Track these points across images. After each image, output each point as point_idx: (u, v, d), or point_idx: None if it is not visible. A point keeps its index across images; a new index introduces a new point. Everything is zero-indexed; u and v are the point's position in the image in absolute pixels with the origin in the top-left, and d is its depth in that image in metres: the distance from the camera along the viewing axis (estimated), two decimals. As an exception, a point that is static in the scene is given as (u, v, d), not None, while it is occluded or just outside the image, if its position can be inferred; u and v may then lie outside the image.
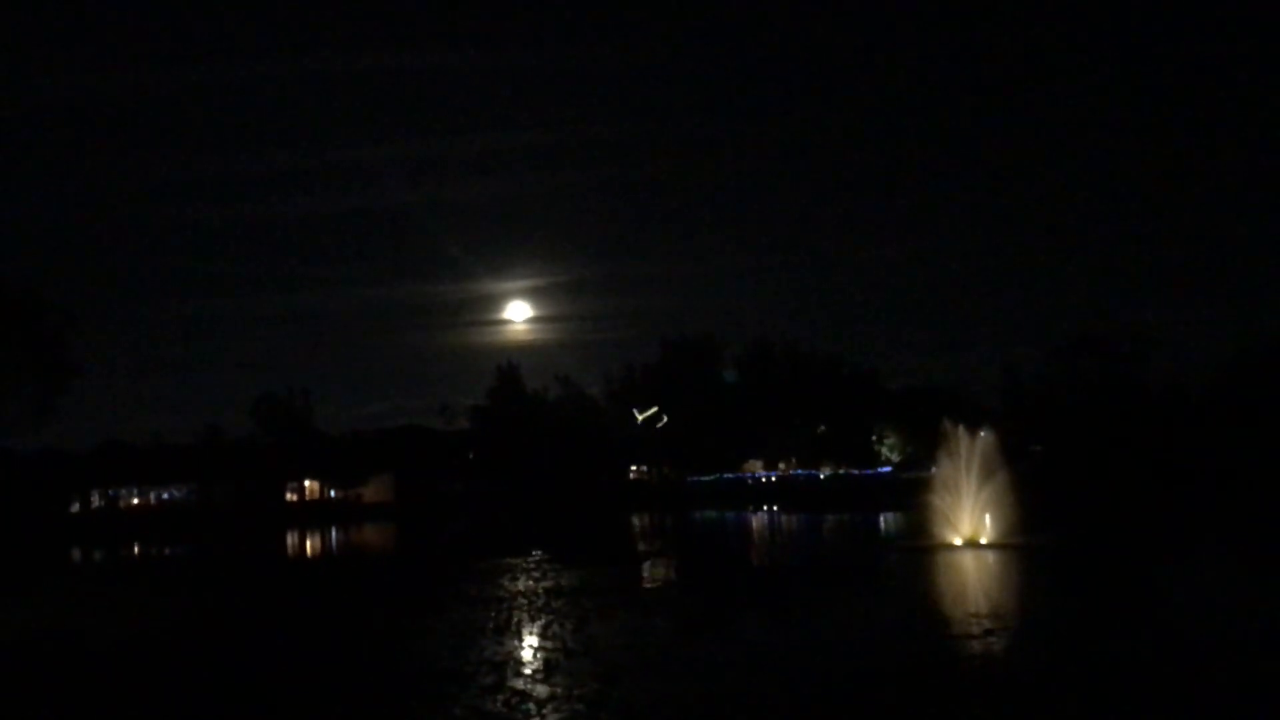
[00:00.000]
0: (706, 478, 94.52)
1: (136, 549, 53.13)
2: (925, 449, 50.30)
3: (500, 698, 11.60)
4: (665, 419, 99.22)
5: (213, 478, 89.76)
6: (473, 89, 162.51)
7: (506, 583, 24.36)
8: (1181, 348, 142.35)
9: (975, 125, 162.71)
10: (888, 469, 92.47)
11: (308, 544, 52.64)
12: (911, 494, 39.02)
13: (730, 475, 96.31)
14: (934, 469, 31.62)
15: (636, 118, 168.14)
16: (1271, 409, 74.92)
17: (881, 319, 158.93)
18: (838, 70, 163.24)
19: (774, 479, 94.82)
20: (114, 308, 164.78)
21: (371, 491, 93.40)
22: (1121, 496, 54.42)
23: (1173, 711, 10.55)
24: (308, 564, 41.01)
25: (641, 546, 38.59)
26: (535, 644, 15.29)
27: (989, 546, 28.12)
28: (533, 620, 17.82)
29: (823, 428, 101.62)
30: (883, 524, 45.52)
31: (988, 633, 14.69)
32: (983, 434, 30.30)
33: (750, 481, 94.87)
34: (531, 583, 24.05)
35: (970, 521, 29.16)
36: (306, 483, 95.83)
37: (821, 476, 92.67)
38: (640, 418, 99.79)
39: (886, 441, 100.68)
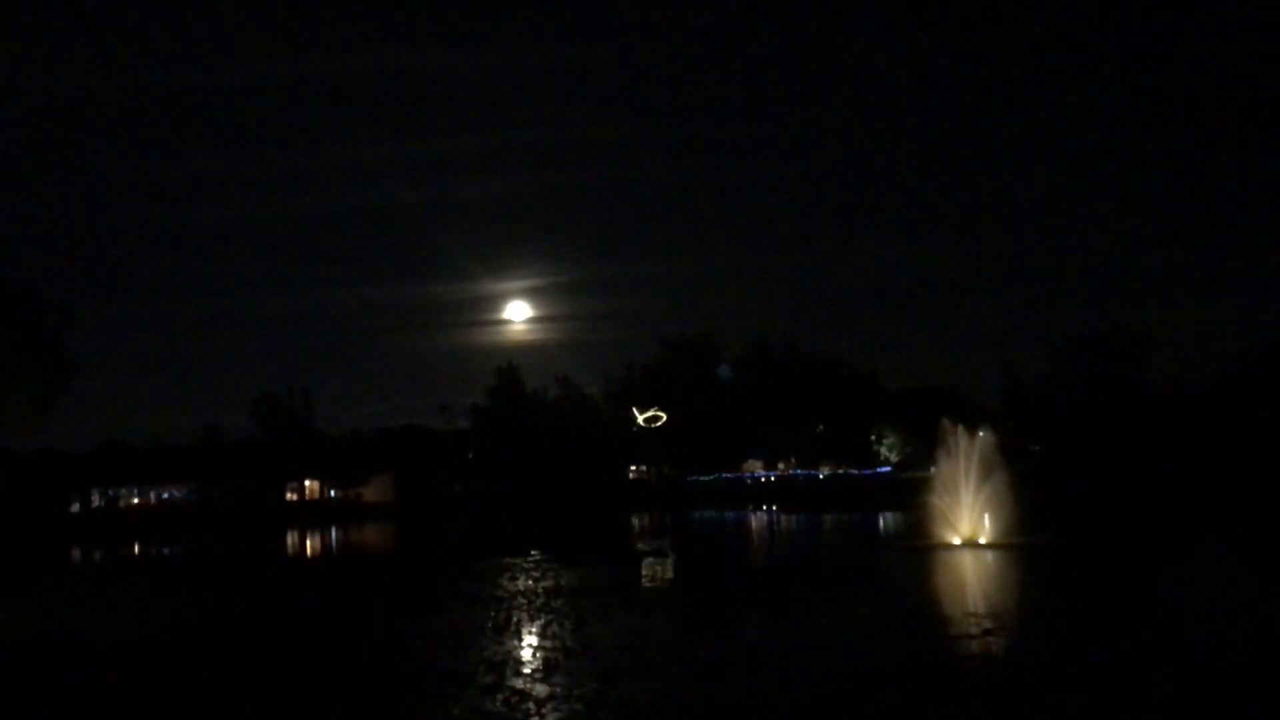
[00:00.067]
0: (706, 477, 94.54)
1: (136, 549, 53.13)
2: (924, 449, 50.30)
3: (499, 697, 11.61)
4: (664, 419, 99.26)
5: (212, 478, 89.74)
6: (473, 89, 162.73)
7: (506, 582, 24.37)
8: (1181, 348, 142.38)
9: (975, 125, 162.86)
10: (887, 469, 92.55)
11: (308, 544, 52.65)
12: (910, 494, 39.07)
13: (729, 475, 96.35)
14: (933, 469, 31.63)
15: (636, 118, 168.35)
16: (1271, 409, 74.96)
17: (881, 319, 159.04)
18: (838, 70, 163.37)
19: (773, 479, 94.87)
20: (114, 308, 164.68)
21: (371, 491, 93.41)
22: (1121, 496, 54.44)
23: (1172, 711, 10.57)
24: (307, 564, 41.02)
25: (641, 546, 38.60)
26: (534, 644, 15.31)
27: (988, 546, 28.14)
28: (532, 620, 17.83)
29: (822, 427, 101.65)
30: (882, 524, 45.54)
31: (986, 633, 14.71)
32: (982, 434, 30.33)
33: (749, 481, 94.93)
34: (531, 582, 24.06)
35: (969, 521, 29.18)
36: (306, 483, 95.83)
37: (821, 476, 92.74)
38: (640, 417, 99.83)
39: (886, 441, 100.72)
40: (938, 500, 30.06)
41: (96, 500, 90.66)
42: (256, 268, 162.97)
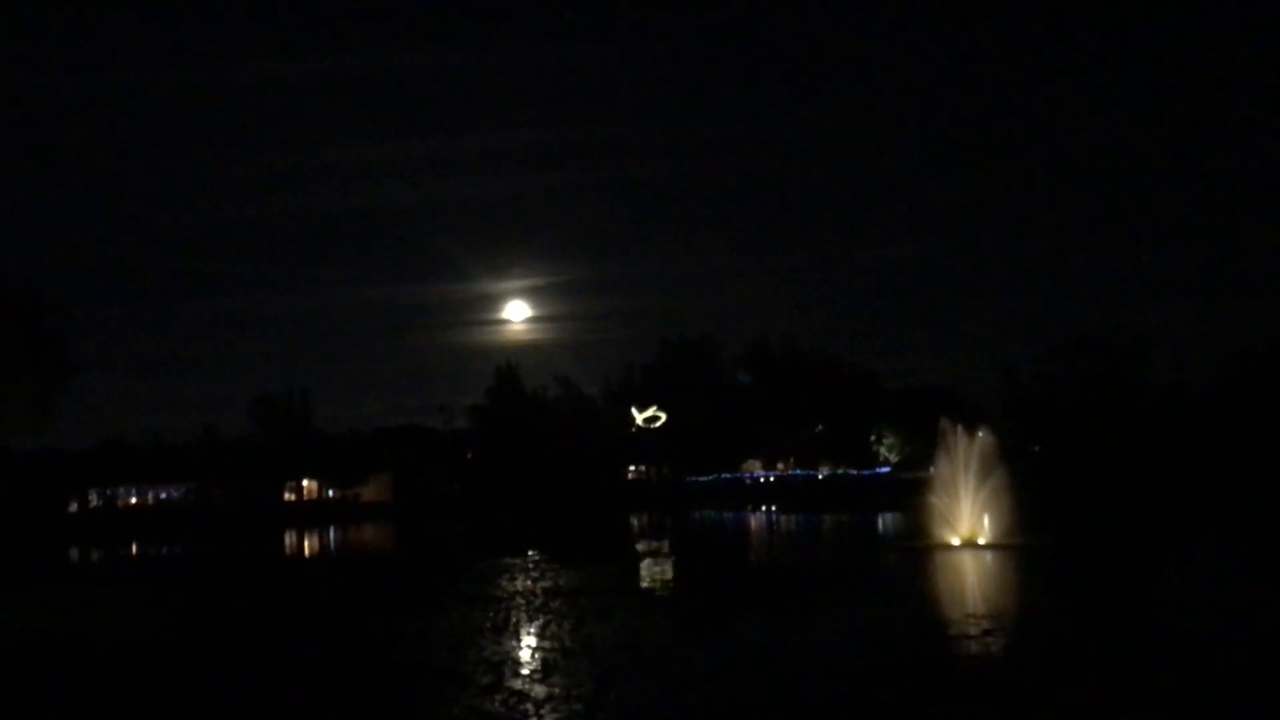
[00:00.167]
0: (705, 478, 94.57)
1: (135, 549, 53.10)
2: (924, 449, 50.29)
3: (498, 698, 11.59)
4: (663, 419, 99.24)
5: (211, 477, 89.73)
6: (473, 89, 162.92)
7: (504, 582, 24.35)
8: (1181, 348, 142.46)
9: (975, 126, 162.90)
10: (886, 469, 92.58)
11: (306, 544, 52.62)
12: (910, 494, 39.04)
13: (729, 475, 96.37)
14: (932, 469, 31.60)
15: (636, 118, 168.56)
16: (1271, 409, 74.98)
17: (881, 319, 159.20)
18: (838, 70, 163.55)
19: (772, 479, 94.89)
20: (114, 308, 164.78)
21: (370, 491, 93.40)
22: (1120, 497, 54.43)
23: (1172, 711, 10.55)
24: (306, 564, 40.99)
25: (640, 546, 38.58)
26: (533, 644, 15.28)
27: (987, 547, 28.11)
28: (531, 620, 17.81)
29: (821, 428, 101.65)
30: (881, 524, 45.53)
31: (986, 633, 14.69)
32: (981, 434, 30.28)
33: (749, 481, 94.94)
34: (529, 582, 24.04)
35: (968, 522, 29.15)
36: (305, 482, 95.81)
37: (820, 476, 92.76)
38: (639, 417, 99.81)
39: (885, 441, 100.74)
40: (937, 501, 30.03)
41: (95, 500, 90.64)
42: (256, 268, 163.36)
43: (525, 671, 13.10)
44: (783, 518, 56.87)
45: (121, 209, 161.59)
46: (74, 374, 63.06)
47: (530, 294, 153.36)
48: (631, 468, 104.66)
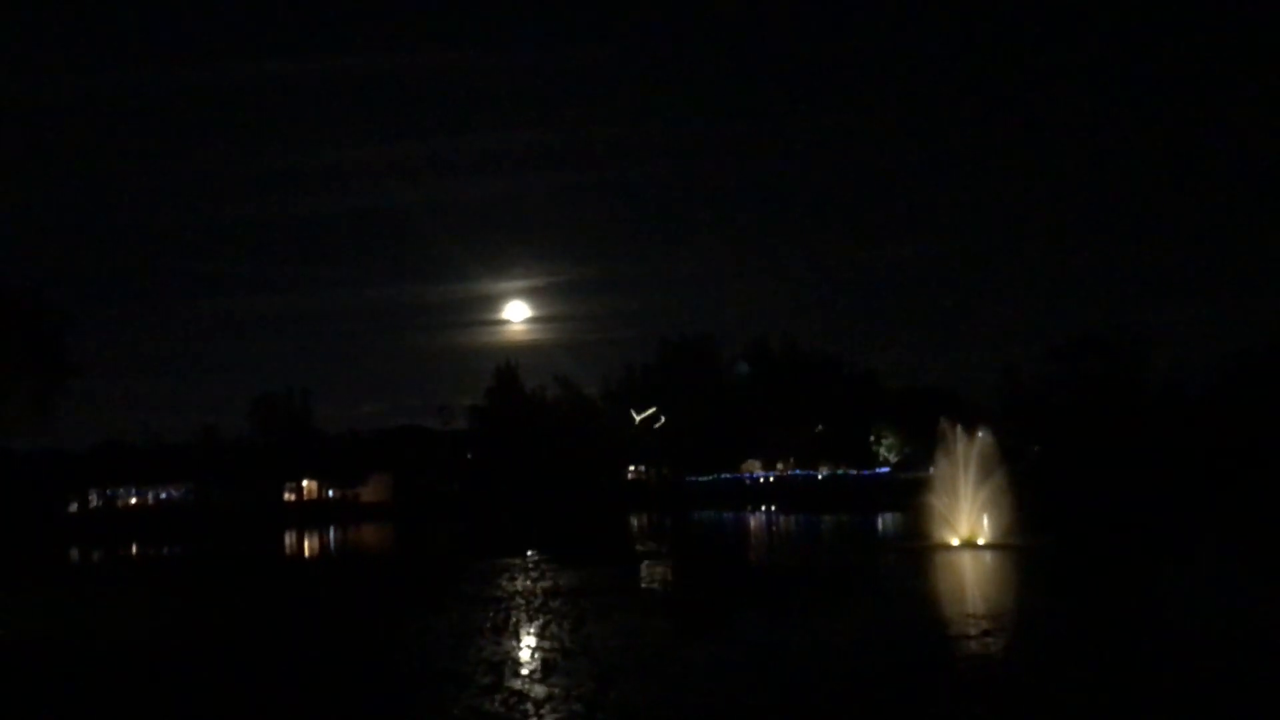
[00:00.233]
0: (704, 478, 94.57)
1: (135, 549, 53.10)
2: (923, 449, 50.33)
3: (498, 698, 11.60)
4: (663, 419, 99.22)
5: (211, 478, 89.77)
6: (473, 89, 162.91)
7: (504, 583, 24.36)
8: (1181, 348, 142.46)
9: (975, 126, 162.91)
10: (886, 469, 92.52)
11: (306, 544, 52.62)
12: (909, 494, 39.05)
13: (728, 475, 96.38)
14: (932, 469, 31.61)
15: (636, 118, 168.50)
16: (1271, 409, 74.98)
17: (881, 319, 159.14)
18: (838, 70, 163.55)
19: (772, 479, 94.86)
20: (114, 308, 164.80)
21: (370, 491, 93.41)
22: (1120, 497, 54.44)
23: (1172, 711, 10.56)
24: (306, 564, 40.99)
25: (639, 547, 38.59)
26: (533, 644, 15.30)
27: (987, 547, 28.13)
28: (530, 620, 17.82)
29: (821, 428, 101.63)
30: (880, 525, 45.54)
31: (985, 634, 14.70)
32: (981, 434, 30.29)
33: (748, 482, 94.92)
34: (529, 583, 24.05)
35: (968, 522, 29.17)
36: (305, 483, 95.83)
37: (819, 477, 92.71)
38: (638, 418, 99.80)
39: (885, 442, 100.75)
40: (936, 501, 30.04)
41: (95, 500, 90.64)
42: (256, 268, 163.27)
43: (525, 672, 13.11)
44: (782, 518, 56.88)
45: (122, 209, 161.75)
46: (74, 374, 63.20)
47: (530, 294, 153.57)
48: (631, 468, 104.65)
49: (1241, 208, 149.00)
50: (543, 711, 10.93)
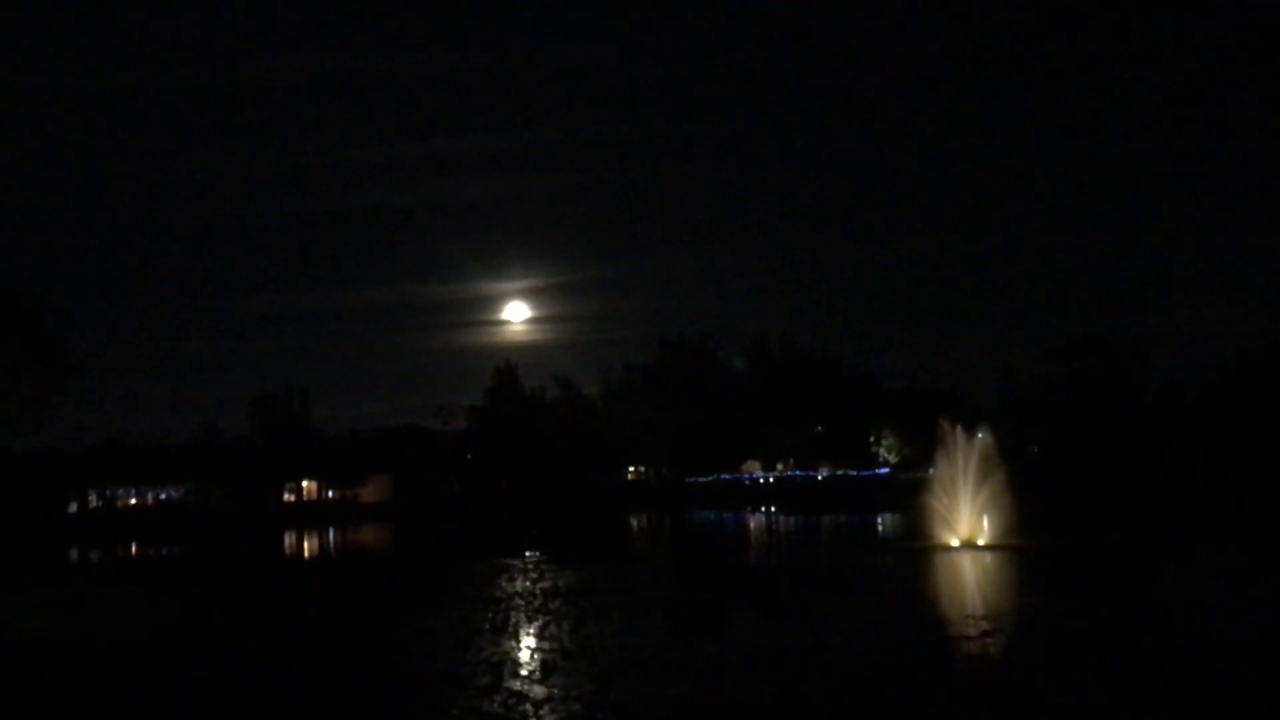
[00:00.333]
0: (704, 478, 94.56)
1: (134, 549, 53.07)
2: (923, 450, 50.30)
3: (497, 699, 11.60)
4: (662, 420, 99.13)
5: (210, 478, 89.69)
6: (473, 89, 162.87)
7: (503, 583, 24.35)
8: (1181, 348, 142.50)
9: (974, 126, 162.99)
10: (885, 470, 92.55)
11: (305, 544, 52.61)
12: (909, 495, 39.03)
13: (728, 476, 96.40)
14: (932, 470, 31.60)
15: (636, 118, 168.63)
16: (1271, 409, 75.01)
17: (881, 319, 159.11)
18: (838, 70, 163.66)
19: (772, 480, 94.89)
20: (113, 307, 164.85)
21: (369, 492, 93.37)
22: (1119, 497, 54.43)
23: (1171, 712, 10.55)
24: (305, 564, 40.97)
25: (638, 547, 38.57)
26: (532, 645, 15.29)
27: (986, 548, 28.12)
28: (530, 621, 17.82)
29: (820, 428, 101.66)
30: (880, 525, 45.53)
31: (985, 634, 14.69)
32: (980, 435, 30.29)
33: (748, 482, 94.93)
34: (528, 583, 24.04)
35: (968, 523, 29.16)
36: (304, 483, 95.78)
37: (819, 477, 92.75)
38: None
39: (884, 442, 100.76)
40: (936, 502, 30.02)
41: (94, 501, 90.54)
42: (256, 268, 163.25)
43: (524, 672, 13.10)
44: (782, 519, 56.86)
45: (121, 208, 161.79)
46: (73, 374, 63.19)
47: (530, 294, 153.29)
48: (631, 468, 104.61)
49: (1241, 208, 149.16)
50: (542, 712, 10.93)
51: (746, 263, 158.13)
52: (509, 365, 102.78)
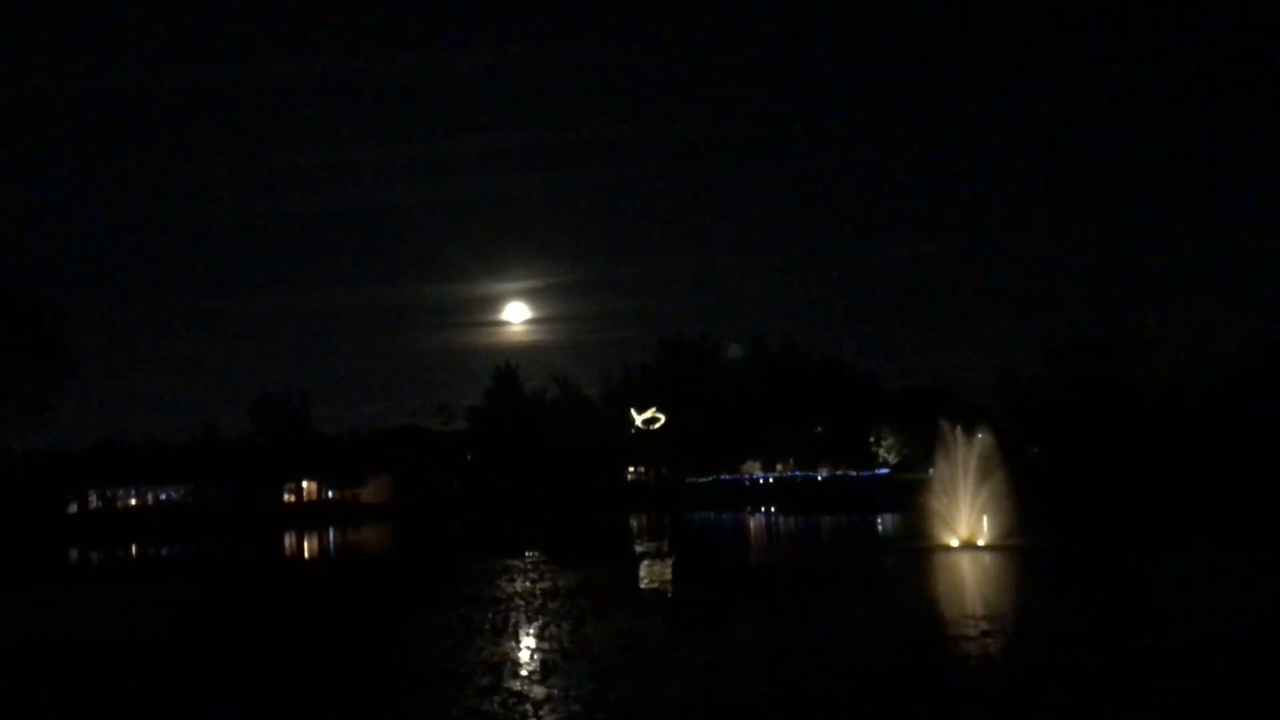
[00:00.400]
0: (704, 479, 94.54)
1: (134, 550, 53.07)
2: (923, 450, 50.29)
3: (497, 699, 11.60)
4: (662, 420, 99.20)
5: (210, 479, 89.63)
6: (473, 89, 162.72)
7: (503, 584, 24.35)
8: (1181, 348, 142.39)
9: (974, 126, 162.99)
10: (885, 470, 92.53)
11: (305, 545, 52.61)
12: (909, 495, 39.03)
13: (728, 476, 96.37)
14: (931, 471, 31.60)
15: (636, 118, 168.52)
16: (1270, 410, 74.99)
17: (881, 319, 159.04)
18: (837, 71, 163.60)
19: (771, 480, 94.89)
20: (112, 307, 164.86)
21: (369, 492, 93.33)
22: (1119, 498, 54.44)
23: (1170, 712, 10.55)
24: (305, 565, 40.97)
25: (638, 548, 38.58)
26: (532, 645, 15.29)
27: (986, 548, 28.11)
28: (529, 621, 17.82)
29: (820, 429, 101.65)
30: (880, 525, 45.53)
31: (984, 634, 14.69)
32: (980, 435, 30.28)
33: (748, 483, 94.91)
34: (528, 584, 24.04)
35: (967, 523, 29.15)
36: (304, 483, 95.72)
37: (819, 478, 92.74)
38: (638, 419, 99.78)
39: (884, 443, 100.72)
40: (936, 502, 30.02)
41: (94, 501, 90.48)
42: (256, 268, 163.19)
43: (524, 673, 13.10)
44: (782, 519, 56.87)
45: (121, 208, 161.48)
46: (73, 374, 63.12)
47: (530, 295, 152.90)
48: (630, 469, 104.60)
49: (1241, 208, 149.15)
50: (541, 712, 10.92)
51: (746, 263, 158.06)
52: (509, 366, 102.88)
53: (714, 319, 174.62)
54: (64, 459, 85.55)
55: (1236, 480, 60.78)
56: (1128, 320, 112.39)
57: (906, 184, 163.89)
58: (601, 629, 16.62)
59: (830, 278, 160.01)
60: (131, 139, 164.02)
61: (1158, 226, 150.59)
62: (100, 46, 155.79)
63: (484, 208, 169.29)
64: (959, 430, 30.17)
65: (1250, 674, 11.99)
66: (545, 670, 13.17)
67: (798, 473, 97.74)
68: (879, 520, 48.25)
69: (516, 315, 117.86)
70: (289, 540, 56.55)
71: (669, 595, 23.51)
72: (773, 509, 68.86)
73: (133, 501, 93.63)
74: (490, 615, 18.67)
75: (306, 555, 46.38)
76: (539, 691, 11.89)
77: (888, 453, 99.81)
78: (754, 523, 54.63)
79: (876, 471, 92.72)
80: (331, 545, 52.36)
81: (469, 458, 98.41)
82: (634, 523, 57.00)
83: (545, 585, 23.54)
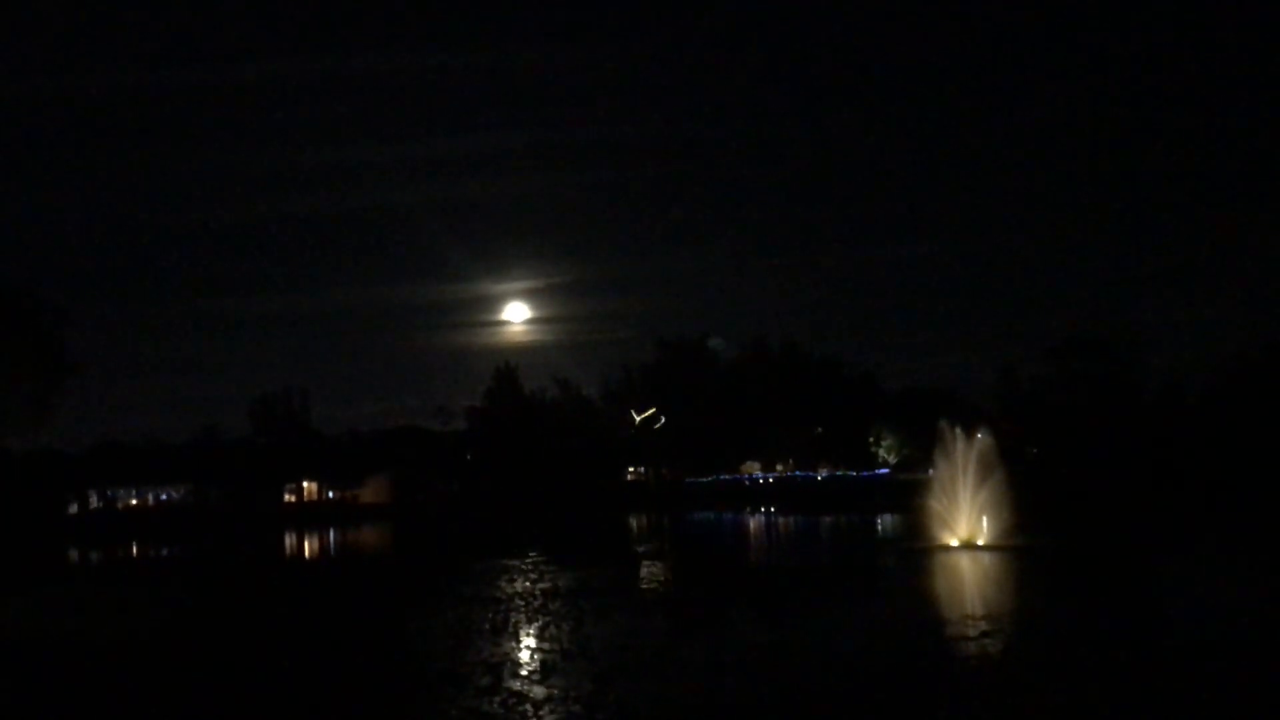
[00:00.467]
0: (704, 479, 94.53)
1: (134, 550, 53.08)
2: (922, 450, 50.32)
3: (497, 699, 11.61)
4: (663, 420, 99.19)
5: (210, 479, 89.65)
6: (473, 89, 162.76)
7: (503, 584, 24.36)
8: (1181, 348, 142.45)
9: (973, 126, 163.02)
10: (885, 470, 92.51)
11: (305, 545, 52.62)
12: (908, 496, 39.06)
13: (728, 476, 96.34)
14: (931, 470, 31.62)
15: (636, 118, 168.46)
16: (1269, 410, 75.00)
17: (881, 319, 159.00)
18: (837, 71, 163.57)
19: (771, 480, 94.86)
20: (112, 307, 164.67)
21: (369, 492, 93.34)
22: (1118, 498, 54.47)
23: (1169, 711, 10.57)
24: (305, 565, 40.98)
25: (638, 548, 38.60)
26: (532, 645, 15.31)
27: (985, 548, 28.14)
28: (529, 621, 17.83)
29: (820, 429, 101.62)
30: (880, 526, 45.55)
31: (984, 634, 14.71)
32: (979, 435, 30.31)
33: (748, 483, 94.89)
34: (528, 584, 24.06)
35: (967, 523, 29.18)
36: (304, 483, 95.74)
37: (819, 478, 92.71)
38: (638, 419, 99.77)
39: (884, 443, 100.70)
40: (935, 502, 30.05)
41: (94, 501, 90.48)
42: (256, 268, 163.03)
43: (524, 673, 13.12)
44: (781, 519, 56.88)
45: (121, 209, 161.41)
46: (72, 374, 63.22)
47: (530, 295, 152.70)
48: (630, 469, 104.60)
49: (1241, 208, 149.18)
50: (541, 712, 10.94)
51: (746, 263, 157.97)
52: (509, 366, 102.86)
53: (714, 319, 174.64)
54: (64, 459, 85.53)
55: (1236, 480, 60.81)
56: (1127, 320, 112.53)
57: (906, 184, 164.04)
58: (601, 629, 16.64)
59: (830, 278, 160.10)
60: (131, 139, 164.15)
61: (1158, 226, 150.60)
62: (100, 46, 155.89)
63: (484, 208, 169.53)
64: (958, 430, 30.20)
65: (1250, 674, 12.01)
66: (545, 670, 13.18)
67: (797, 473, 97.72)
68: (879, 520, 48.26)
69: (516, 315, 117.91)
70: (289, 540, 56.56)
71: (669, 595, 23.52)
72: (772, 509, 68.86)
73: (133, 501, 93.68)
74: (490, 615, 18.68)
75: (306, 555, 46.38)
76: (539, 692, 11.91)
77: (887, 453, 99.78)
78: (754, 523, 54.64)
79: (876, 472, 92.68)
80: (331, 545, 52.38)
81: (469, 458, 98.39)
82: (634, 523, 57.02)
83: (545, 585, 23.55)
